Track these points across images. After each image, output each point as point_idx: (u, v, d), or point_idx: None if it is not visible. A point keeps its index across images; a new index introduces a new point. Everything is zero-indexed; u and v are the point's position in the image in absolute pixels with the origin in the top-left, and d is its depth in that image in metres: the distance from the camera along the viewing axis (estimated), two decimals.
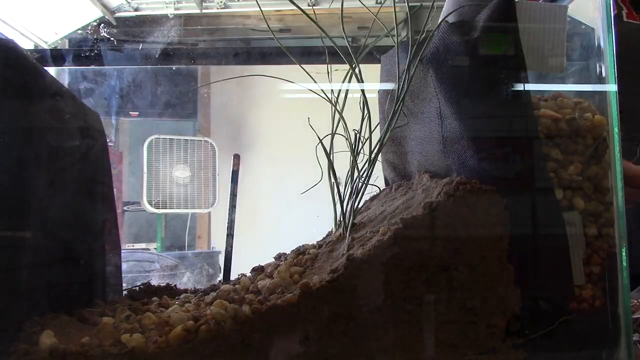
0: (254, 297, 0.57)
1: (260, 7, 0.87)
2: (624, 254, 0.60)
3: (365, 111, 0.70)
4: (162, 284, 0.75)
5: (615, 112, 0.62)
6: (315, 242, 0.72)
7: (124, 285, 0.73)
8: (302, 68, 0.72)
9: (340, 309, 0.55)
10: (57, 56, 0.83)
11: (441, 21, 0.65)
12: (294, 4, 0.72)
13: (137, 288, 0.74)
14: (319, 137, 0.72)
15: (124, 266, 0.74)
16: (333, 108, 0.73)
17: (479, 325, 0.56)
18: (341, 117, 0.71)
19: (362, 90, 0.70)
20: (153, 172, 2.01)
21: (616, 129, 0.61)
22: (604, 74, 0.61)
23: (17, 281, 0.57)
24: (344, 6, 0.73)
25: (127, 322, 0.57)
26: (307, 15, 0.72)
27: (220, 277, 0.89)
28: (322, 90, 0.73)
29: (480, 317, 0.57)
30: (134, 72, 1.03)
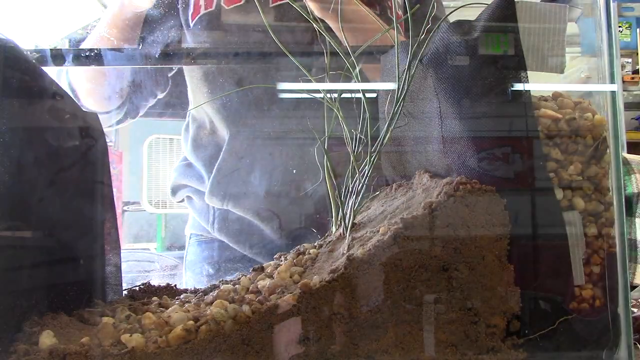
0: (254, 297, 0.57)
1: (260, 7, 0.87)
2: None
3: (365, 111, 0.70)
4: (162, 284, 0.75)
5: (616, 112, 0.62)
6: (315, 242, 0.72)
7: (124, 285, 0.73)
8: (301, 68, 0.72)
9: (340, 309, 0.55)
10: (57, 56, 0.83)
11: (441, 21, 0.65)
12: (292, 4, 0.72)
13: (137, 288, 0.74)
14: (318, 138, 0.72)
15: (124, 266, 0.73)
16: (330, 108, 0.73)
17: (479, 325, 0.56)
18: (340, 117, 0.71)
19: (362, 91, 0.70)
20: (153, 172, 2.00)
21: (616, 129, 0.61)
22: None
23: (17, 281, 0.57)
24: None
25: (127, 322, 0.57)
26: (306, 15, 0.72)
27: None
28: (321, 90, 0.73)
29: (480, 317, 0.57)
30: (134, 72, 1.04)
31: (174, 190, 1.14)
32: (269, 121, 0.96)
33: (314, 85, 0.72)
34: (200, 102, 1.02)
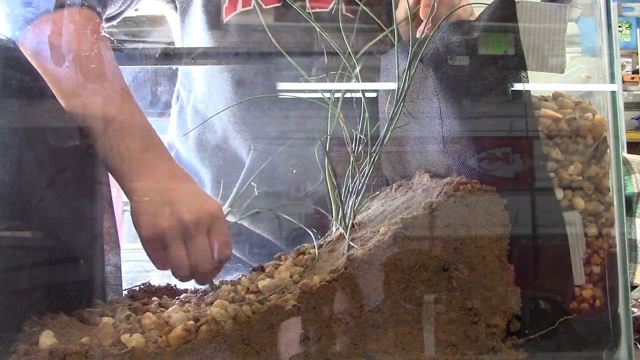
0: (254, 297, 0.57)
1: (259, 7, 0.87)
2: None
3: (365, 112, 0.70)
4: (162, 284, 0.75)
5: (616, 112, 0.62)
6: (315, 242, 0.72)
7: (124, 285, 0.73)
8: (299, 69, 0.72)
9: (340, 309, 0.55)
10: None
11: (441, 21, 0.65)
12: (292, 4, 0.72)
13: (137, 288, 0.74)
14: (318, 138, 0.72)
15: (124, 266, 0.73)
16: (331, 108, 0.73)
17: (479, 325, 0.56)
18: (340, 117, 0.71)
19: (362, 91, 0.70)
20: None
21: (617, 129, 0.61)
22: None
23: (17, 281, 0.57)
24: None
25: (127, 322, 0.57)
26: (306, 16, 0.72)
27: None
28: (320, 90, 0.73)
29: (480, 317, 0.57)
30: (134, 71, 1.04)
31: None
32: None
33: (321, 86, 0.72)
34: (202, 102, 1.01)
